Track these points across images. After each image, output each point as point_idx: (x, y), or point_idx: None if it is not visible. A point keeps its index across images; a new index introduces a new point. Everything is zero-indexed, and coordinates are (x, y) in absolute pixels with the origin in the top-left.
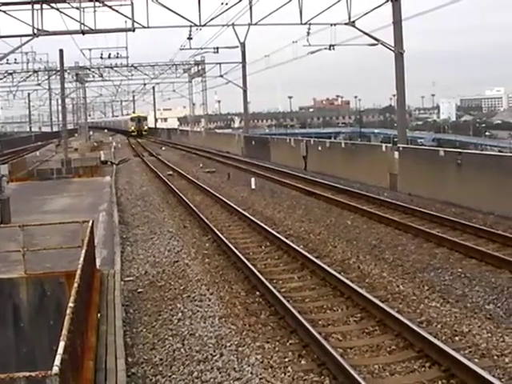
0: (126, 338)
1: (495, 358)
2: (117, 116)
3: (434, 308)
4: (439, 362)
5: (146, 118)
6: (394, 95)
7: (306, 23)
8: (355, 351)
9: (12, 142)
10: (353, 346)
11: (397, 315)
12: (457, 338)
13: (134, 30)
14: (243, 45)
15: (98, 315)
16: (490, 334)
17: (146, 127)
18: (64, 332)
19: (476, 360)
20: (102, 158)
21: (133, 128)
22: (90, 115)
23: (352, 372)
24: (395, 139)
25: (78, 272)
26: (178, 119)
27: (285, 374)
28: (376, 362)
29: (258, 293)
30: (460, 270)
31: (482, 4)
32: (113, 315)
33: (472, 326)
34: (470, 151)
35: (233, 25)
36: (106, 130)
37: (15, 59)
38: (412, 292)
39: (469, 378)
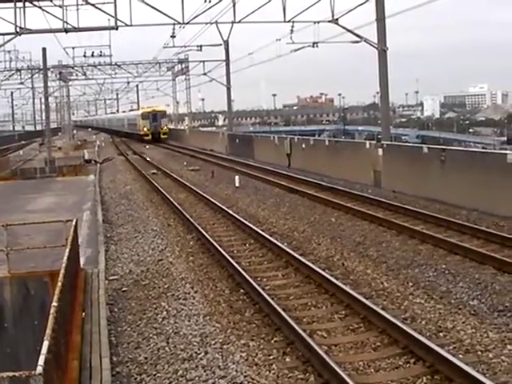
0: (110, 336)
1: (479, 353)
2: (114, 112)
3: (419, 304)
4: (424, 358)
5: (165, 114)
6: (377, 92)
7: (289, 21)
8: (340, 348)
9: None
10: (337, 343)
11: (381, 312)
12: (441, 334)
13: (117, 29)
14: (227, 43)
15: (83, 314)
16: (474, 330)
17: (165, 127)
18: (48, 331)
19: (460, 356)
20: (86, 157)
21: (146, 129)
22: (73, 114)
23: (337, 369)
24: (379, 136)
25: (62, 271)
26: None
27: (269, 372)
28: (361, 359)
29: (242, 291)
30: (444, 266)
31: (464, 1)
32: (97, 314)
33: (456, 321)
34: (453, 148)
35: (216, 23)
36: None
37: None
38: (396, 289)
39: (453, 373)
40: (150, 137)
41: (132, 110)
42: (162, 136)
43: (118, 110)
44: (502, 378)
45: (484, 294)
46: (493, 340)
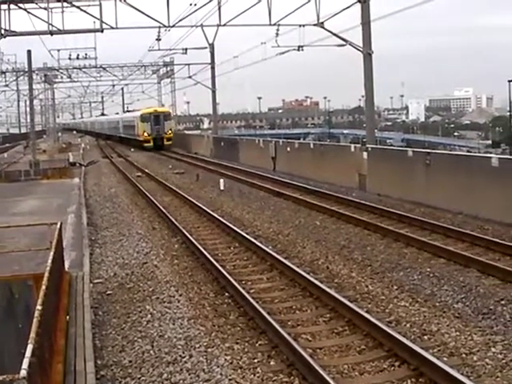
0: (95, 340)
1: (464, 356)
2: (105, 114)
3: (403, 307)
4: (408, 361)
5: (169, 116)
6: (363, 96)
7: (274, 24)
8: (324, 351)
9: None
10: (322, 347)
11: (366, 315)
12: (426, 337)
13: (102, 31)
14: (212, 46)
15: (67, 317)
16: (458, 333)
17: (170, 131)
18: (32, 335)
19: (445, 358)
20: (71, 160)
21: (146, 134)
22: (58, 116)
23: (321, 372)
24: (364, 140)
25: (47, 274)
26: None
27: (254, 375)
28: (345, 362)
29: (226, 294)
30: (429, 269)
31: (450, 6)
32: (82, 317)
33: (441, 324)
34: (438, 151)
35: (201, 26)
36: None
37: None
38: (381, 292)
39: (437, 376)
40: (151, 143)
41: (128, 111)
42: (165, 142)
43: (103, 113)
44: (487, 380)
45: (468, 296)
46: (477, 343)
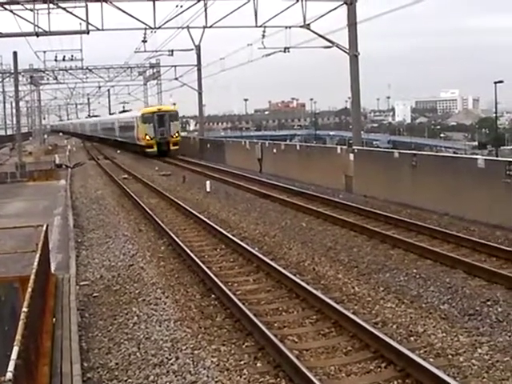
0: (81, 342)
1: (450, 357)
2: (97, 115)
3: (390, 309)
4: (395, 362)
5: (176, 116)
6: (349, 98)
7: (260, 26)
8: (311, 353)
9: None
10: (308, 348)
11: (352, 316)
12: (412, 339)
13: (88, 33)
14: (198, 47)
15: (53, 320)
16: (444, 334)
17: (177, 134)
18: (18, 337)
19: (431, 359)
20: (57, 162)
21: (149, 137)
22: (44, 118)
23: (308, 373)
24: (350, 141)
25: (33, 277)
26: None
27: (241, 377)
28: (332, 364)
29: (213, 296)
30: (415, 270)
31: (437, 8)
32: (68, 320)
33: (427, 326)
34: (424, 153)
35: (188, 27)
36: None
37: None
38: (367, 293)
39: (424, 377)
40: (154, 149)
41: (125, 111)
42: (172, 147)
43: (89, 115)
44: (473, 381)
45: (455, 298)
46: (463, 344)
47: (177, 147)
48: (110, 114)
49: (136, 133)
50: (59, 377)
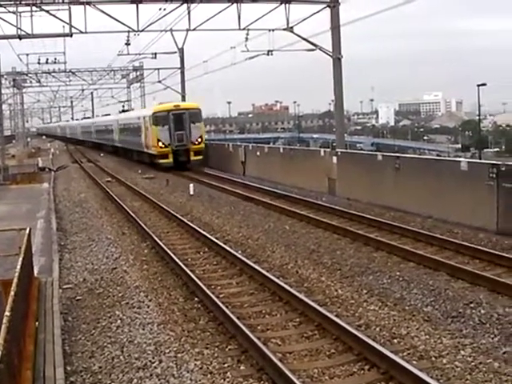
0: (64, 346)
1: (433, 359)
2: (88, 117)
3: (373, 311)
4: (378, 364)
5: (199, 115)
6: (332, 100)
7: (244, 29)
8: (294, 356)
9: None
10: (292, 351)
11: (335, 319)
12: (395, 341)
13: (71, 35)
14: (182, 50)
15: (36, 324)
16: (427, 336)
17: (200, 140)
18: (0, 341)
19: (414, 362)
20: (40, 165)
21: (163, 144)
22: (27, 121)
23: (291, 376)
24: (334, 144)
25: (15, 280)
26: None
27: (224, 380)
28: (315, 366)
29: (196, 299)
30: (398, 273)
31: (422, 10)
32: (51, 323)
33: (410, 328)
34: (407, 155)
35: (171, 30)
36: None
37: None
38: (350, 296)
39: (407, 379)
40: (170, 160)
41: (124, 111)
42: (193, 158)
43: (72, 118)
44: (456, 383)
45: (438, 300)
46: (446, 346)
47: (199, 157)
48: (106, 114)
49: (144, 138)
50: (42, 381)
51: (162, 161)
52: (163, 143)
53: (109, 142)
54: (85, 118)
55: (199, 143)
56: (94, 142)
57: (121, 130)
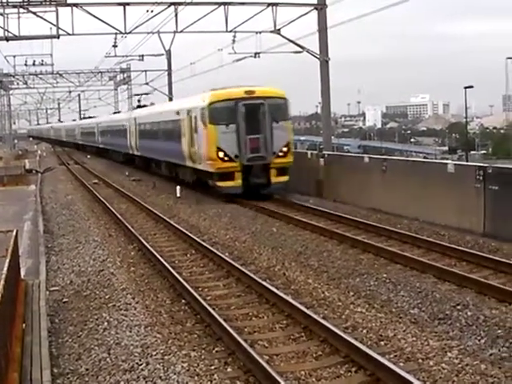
0: (51, 348)
1: (420, 361)
2: (91, 116)
3: (360, 313)
4: (365, 366)
5: (285, 107)
6: (320, 103)
7: (231, 31)
8: (281, 358)
9: None
10: (279, 353)
11: (322, 321)
12: (382, 343)
13: (58, 37)
14: (169, 52)
15: (23, 326)
16: (414, 338)
17: (285, 148)
18: None
19: (401, 364)
20: (27, 167)
21: (224, 155)
22: (14, 123)
23: (278, 378)
24: (321, 146)
25: (2, 282)
26: None
27: (211, 382)
28: (302, 368)
29: (183, 301)
30: (385, 275)
31: (406, 13)
32: (38, 326)
33: (397, 330)
34: (394, 158)
35: (158, 32)
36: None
37: None
38: (337, 298)
39: (394, 381)
40: (237, 182)
41: (140, 107)
42: (275, 179)
43: (59, 119)
44: None
45: (424, 302)
46: (433, 348)
47: (285, 179)
48: (114, 112)
49: (187, 145)
50: (29, 383)
51: (222, 184)
52: (227, 154)
53: (121, 148)
54: (85, 117)
55: (285, 155)
56: (98, 148)
57: (141, 133)
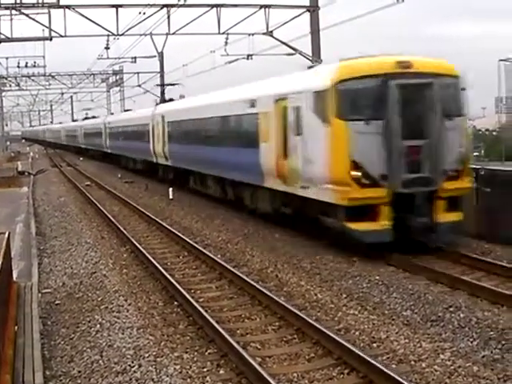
0: (43, 350)
1: (412, 363)
2: (94, 117)
3: (352, 315)
4: (357, 368)
5: (459, 93)
6: None
7: (223, 33)
8: (274, 360)
9: None
10: (271, 355)
11: (315, 323)
12: (375, 345)
13: (51, 39)
14: (161, 54)
15: (15, 328)
16: (407, 340)
17: (461, 165)
18: None
19: (393, 366)
20: (20, 169)
21: (366, 173)
22: (6, 125)
23: (270, 380)
24: None
25: None
26: None
27: None
28: (295, 370)
29: (176, 303)
30: (377, 277)
31: (402, 14)
32: (30, 328)
33: (390, 332)
34: None
35: (151, 34)
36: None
37: None
38: (330, 300)
39: (386, 383)
40: (383, 223)
41: (165, 101)
42: (444, 218)
43: (52, 122)
44: None
45: (417, 304)
46: (426, 350)
47: (457, 216)
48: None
49: (272, 156)
50: None
51: (357, 226)
52: (367, 174)
53: (139, 154)
54: (86, 118)
55: (459, 175)
56: (105, 153)
57: (174, 135)
